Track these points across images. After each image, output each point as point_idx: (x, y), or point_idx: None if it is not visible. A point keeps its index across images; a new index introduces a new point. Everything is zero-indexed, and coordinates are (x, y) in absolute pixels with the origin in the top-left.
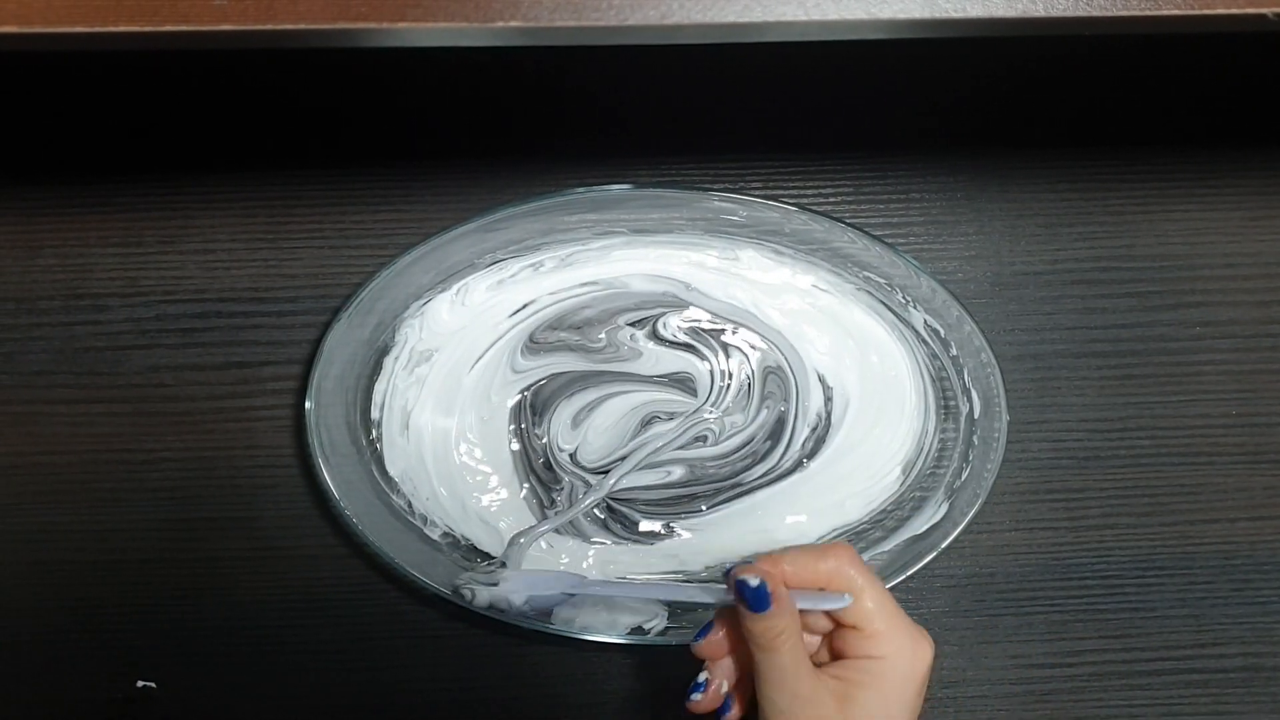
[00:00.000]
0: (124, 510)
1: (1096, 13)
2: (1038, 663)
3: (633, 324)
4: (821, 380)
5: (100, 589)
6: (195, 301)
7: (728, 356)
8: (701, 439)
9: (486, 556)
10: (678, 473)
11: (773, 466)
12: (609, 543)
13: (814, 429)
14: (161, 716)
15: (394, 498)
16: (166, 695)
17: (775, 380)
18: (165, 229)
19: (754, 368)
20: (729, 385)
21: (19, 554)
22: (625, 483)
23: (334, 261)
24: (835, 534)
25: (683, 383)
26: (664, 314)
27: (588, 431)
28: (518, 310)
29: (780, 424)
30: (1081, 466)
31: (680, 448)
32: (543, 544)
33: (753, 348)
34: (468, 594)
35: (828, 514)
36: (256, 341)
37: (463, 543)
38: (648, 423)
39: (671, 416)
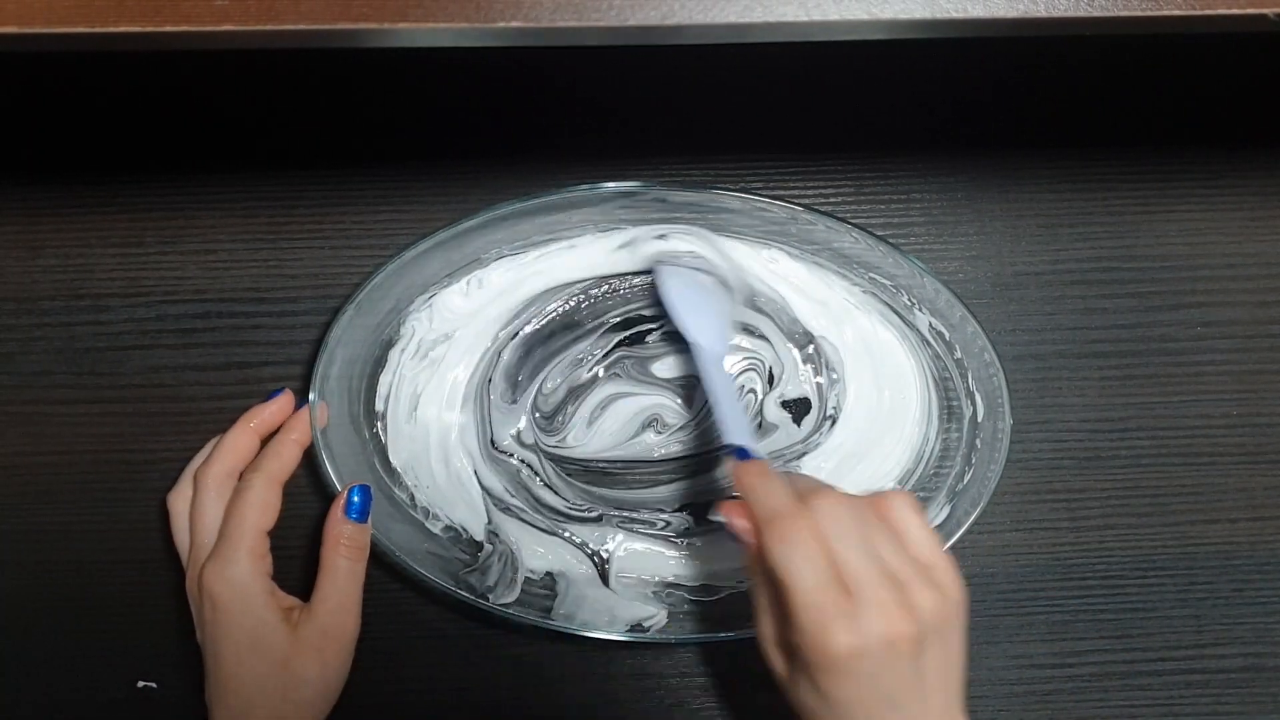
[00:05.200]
0: (124, 510)
1: (1097, 13)
2: (1039, 663)
3: (645, 322)
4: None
5: (100, 589)
6: (196, 302)
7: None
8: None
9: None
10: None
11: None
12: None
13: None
14: (161, 716)
15: (396, 491)
16: (166, 695)
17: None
18: (166, 229)
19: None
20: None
21: (19, 554)
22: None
23: (334, 262)
24: None
25: (687, 388)
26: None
27: (598, 432)
28: (525, 308)
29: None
30: (1082, 467)
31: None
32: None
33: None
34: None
35: None
36: (257, 342)
37: (464, 535)
38: (648, 425)
39: (665, 428)
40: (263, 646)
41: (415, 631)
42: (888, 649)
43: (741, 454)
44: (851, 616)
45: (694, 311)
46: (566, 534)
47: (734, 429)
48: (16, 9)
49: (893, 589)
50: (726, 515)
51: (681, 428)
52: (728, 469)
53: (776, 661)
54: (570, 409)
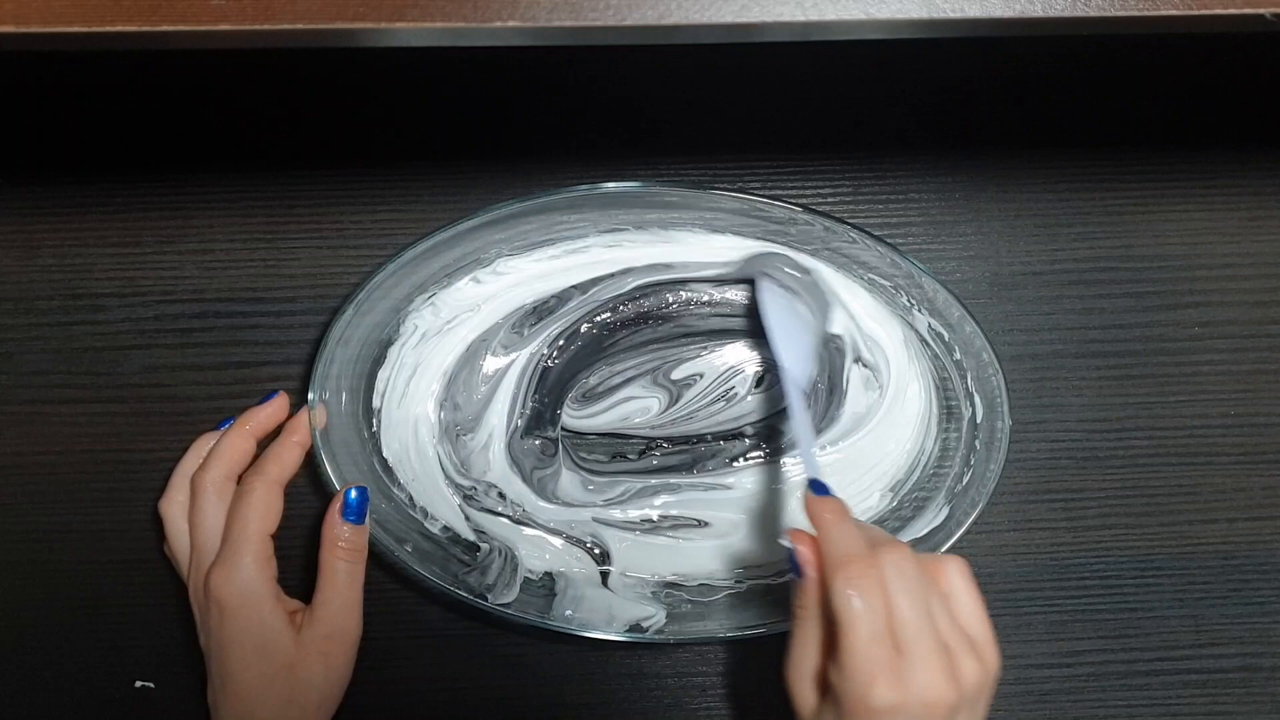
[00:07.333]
0: (123, 510)
1: (1095, 13)
2: (1036, 663)
3: (657, 323)
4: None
5: (100, 589)
6: (194, 301)
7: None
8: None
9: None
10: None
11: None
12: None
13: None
14: (159, 716)
15: (395, 491)
16: (166, 695)
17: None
18: (164, 229)
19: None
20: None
21: (18, 554)
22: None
23: (332, 262)
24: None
25: (687, 387)
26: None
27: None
28: (533, 304)
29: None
30: (1080, 467)
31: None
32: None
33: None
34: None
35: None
36: (255, 342)
37: (461, 536)
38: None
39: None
40: (268, 651)
41: (415, 631)
42: (924, 711)
43: (818, 488)
44: (898, 674)
45: (790, 340)
46: (533, 530)
47: (815, 463)
48: (13, 8)
49: (941, 655)
50: (794, 543)
51: (666, 425)
52: (803, 502)
53: (805, 696)
54: (606, 396)
